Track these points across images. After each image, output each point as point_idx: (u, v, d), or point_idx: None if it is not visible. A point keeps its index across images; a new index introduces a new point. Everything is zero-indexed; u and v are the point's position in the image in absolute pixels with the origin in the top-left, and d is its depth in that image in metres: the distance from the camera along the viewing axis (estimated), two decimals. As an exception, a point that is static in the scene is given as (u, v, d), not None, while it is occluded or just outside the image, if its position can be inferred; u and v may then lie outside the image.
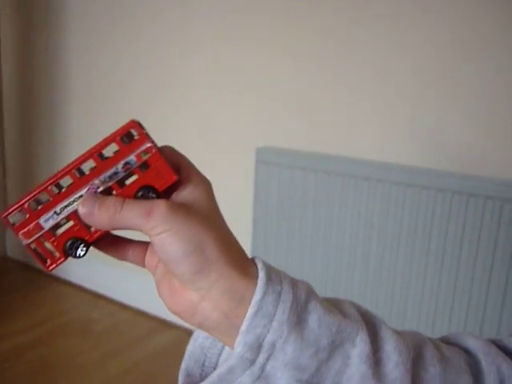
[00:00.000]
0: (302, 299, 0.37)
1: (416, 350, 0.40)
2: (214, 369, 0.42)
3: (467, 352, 0.43)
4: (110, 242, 0.42)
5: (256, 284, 0.36)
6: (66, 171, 0.38)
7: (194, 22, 1.62)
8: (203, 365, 0.42)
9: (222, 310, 0.36)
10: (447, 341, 0.44)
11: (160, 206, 0.36)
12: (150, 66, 1.75)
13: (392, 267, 1.33)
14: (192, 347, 0.43)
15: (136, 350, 1.72)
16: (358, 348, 0.37)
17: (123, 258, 0.43)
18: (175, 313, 0.39)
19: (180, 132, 1.70)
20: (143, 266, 0.43)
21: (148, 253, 0.42)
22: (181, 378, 0.42)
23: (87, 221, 0.38)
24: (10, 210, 0.38)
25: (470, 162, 1.26)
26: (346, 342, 0.37)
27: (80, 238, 0.39)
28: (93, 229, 0.39)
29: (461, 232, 1.22)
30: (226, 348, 0.42)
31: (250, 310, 0.35)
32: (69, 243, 0.39)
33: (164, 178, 0.38)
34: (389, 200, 1.31)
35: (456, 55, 1.24)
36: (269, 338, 0.35)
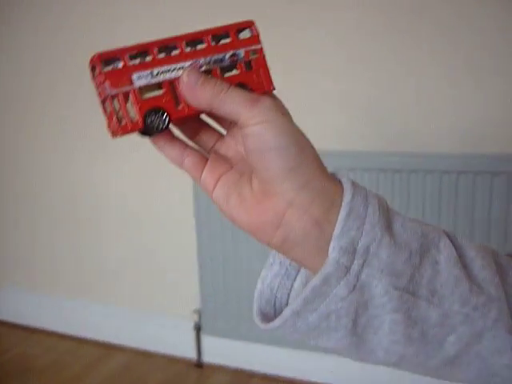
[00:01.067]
0: (384, 203, 0.35)
1: (493, 256, 0.38)
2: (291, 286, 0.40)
3: None
4: (185, 129, 0.40)
5: (343, 188, 0.34)
6: (176, 40, 0.36)
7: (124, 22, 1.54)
8: (274, 305, 0.39)
9: (312, 215, 0.33)
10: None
11: (266, 98, 0.35)
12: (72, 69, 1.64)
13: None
14: (261, 287, 0.40)
15: (86, 380, 1.61)
16: (445, 253, 0.34)
17: (178, 162, 0.39)
18: (253, 229, 0.35)
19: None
20: (197, 178, 0.39)
21: (208, 168, 0.38)
22: (256, 318, 0.39)
23: (187, 92, 0.35)
24: (107, 55, 0.34)
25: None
26: (432, 248, 0.34)
27: (165, 110, 0.36)
28: (180, 106, 0.36)
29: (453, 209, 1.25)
30: (295, 286, 0.40)
31: (342, 212, 0.33)
32: (152, 111, 0.35)
33: (262, 83, 0.38)
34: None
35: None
36: (363, 242, 0.32)
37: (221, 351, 1.64)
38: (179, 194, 1.55)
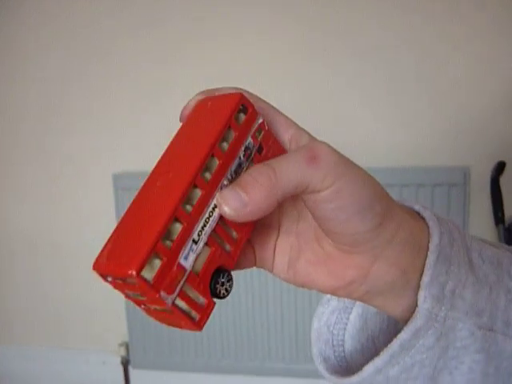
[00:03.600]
0: (463, 234, 0.32)
1: None
2: (343, 346, 0.37)
3: None
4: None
5: (428, 227, 0.31)
6: (194, 178, 0.27)
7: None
8: (333, 344, 0.36)
9: (400, 266, 0.30)
10: None
11: (320, 144, 0.28)
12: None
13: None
14: (317, 327, 0.37)
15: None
16: None
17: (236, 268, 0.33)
18: (333, 290, 0.31)
19: (22, 166, 1.51)
20: (252, 263, 0.33)
21: (258, 246, 0.33)
22: (319, 365, 0.35)
23: (244, 217, 0.27)
24: (142, 261, 0.25)
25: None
26: (505, 275, 0.32)
27: (224, 266, 0.29)
28: (229, 247, 0.29)
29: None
30: (351, 318, 0.37)
31: (432, 257, 0.29)
32: (216, 278, 0.28)
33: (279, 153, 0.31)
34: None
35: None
36: (450, 286, 0.30)
37: (151, 384, 1.56)
38: (103, 222, 1.47)
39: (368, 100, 1.28)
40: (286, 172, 0.27)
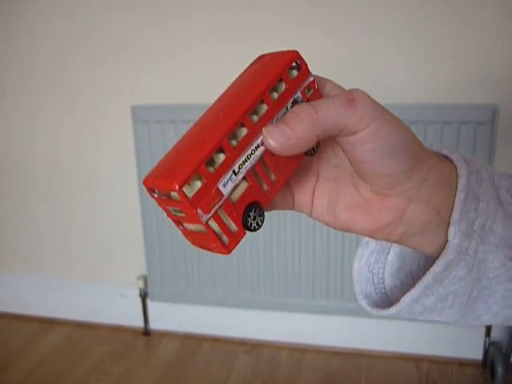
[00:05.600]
0: (490, 173, 0.33)
1: None
2: (383, 284, 0.39)
3: None
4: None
5: (457, 168, 0.33)
6: (240, 116, 0.30)
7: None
8: (373, 282, 0.39)
9: (434, 205, 0.32)
10: None
11: (357, 91, 0.30)
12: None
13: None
14: (358, 267, 0.39)
15: (27, 357, 1.51)
16: None
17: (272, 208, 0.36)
18: (372, 232, 0.33)
19: (43, 94, 1.49)
20: (290, 205, 0.36)
21: (296, 189, 0.36)
22: (362, 301, 0.38)
23: (287, 150, 0.30)
24: (186, 176, 0.28)
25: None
26: None
27: (258, 202, 0.32)
28: (266, 187, 0.32)
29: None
30: (389, 258, 0.39)
31: (461, 195, 0.31)
32: (249, 211, 0.31)
33: None
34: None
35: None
36: (479, 221, 0.32)
37: (169, 317, 1.59)
38: (121, 156, 1.47)
39: (393, 35, 1.22)
40: (326, 111, 0.29)
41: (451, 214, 0.32)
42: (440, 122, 1.21)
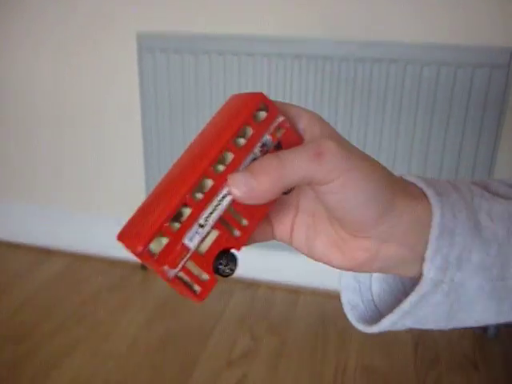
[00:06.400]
0: (468, 200, 0.34)
1: None
2: (370, 290, 0.40)
3: None
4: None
5: (430, 204, 0.33)
6: (203, 170, 0.30)
7: None
8: (360, 291, 0.40)
9: (409, 244, 0.32)
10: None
11: (326, 141, 0.30)
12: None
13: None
14: (345, 278, 0.40)
15: (23, 284, 1.52)
16: None
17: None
18: (348, 267, 0.34)
19: (43, 21, 1.44)
20: (269, 236, 0.37)
21: (276, 222, 0.36)
22: (348, 313, 0.40)
23: (251, 200, 0.30)
24: (149, 238, 0.29)
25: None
26: None
27: (229, 248, 0.32)
28: (237, 233, 0.32)
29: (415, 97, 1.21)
30: None
31: (434, 233, 0.32)
32: (219, 259, 0.32)
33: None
34: (291, 74, 1.26)
35: None
36: (455, 254, 0.32)
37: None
38: (124, 77, 1.43)
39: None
40: (292, 164, 0.29)
41: (426, 252, 0.32)
42: (454, 64, 1.17)
